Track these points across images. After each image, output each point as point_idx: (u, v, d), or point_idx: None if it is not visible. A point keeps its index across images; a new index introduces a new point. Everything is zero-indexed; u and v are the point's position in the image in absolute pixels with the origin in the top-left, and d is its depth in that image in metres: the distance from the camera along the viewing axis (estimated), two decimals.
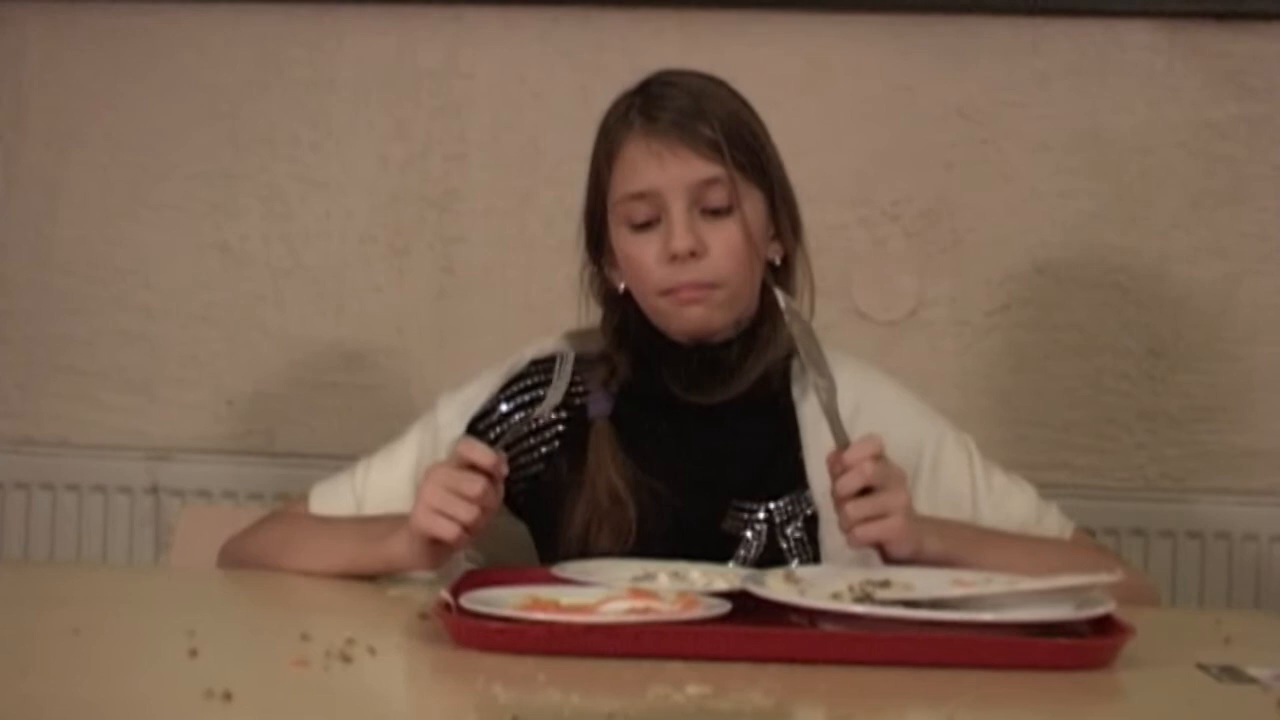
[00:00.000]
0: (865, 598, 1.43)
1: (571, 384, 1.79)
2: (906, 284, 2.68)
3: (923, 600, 1.42)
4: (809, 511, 1.74)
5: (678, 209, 1.70)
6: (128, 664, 1.33)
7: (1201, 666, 1.35)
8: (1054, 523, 1.82)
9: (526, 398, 1.80)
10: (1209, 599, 2.56)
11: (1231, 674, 1.33)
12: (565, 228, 2.65)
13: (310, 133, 2.77)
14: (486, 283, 2.73)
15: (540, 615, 1.38)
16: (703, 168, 1.70)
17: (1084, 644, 1.39)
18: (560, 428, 1.78)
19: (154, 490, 2.72)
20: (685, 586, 1.52)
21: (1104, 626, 1.42)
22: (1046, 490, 2.61)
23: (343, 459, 2.71)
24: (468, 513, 1.59)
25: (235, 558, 1.81)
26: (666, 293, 1.71)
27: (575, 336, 1.85)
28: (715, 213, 1.71)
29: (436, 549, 1.62)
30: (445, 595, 1.43)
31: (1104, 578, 1.44)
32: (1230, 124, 2.64)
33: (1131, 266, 2.66)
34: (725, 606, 1.43)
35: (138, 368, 2.79)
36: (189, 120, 2.78)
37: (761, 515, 1.74)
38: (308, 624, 1.39)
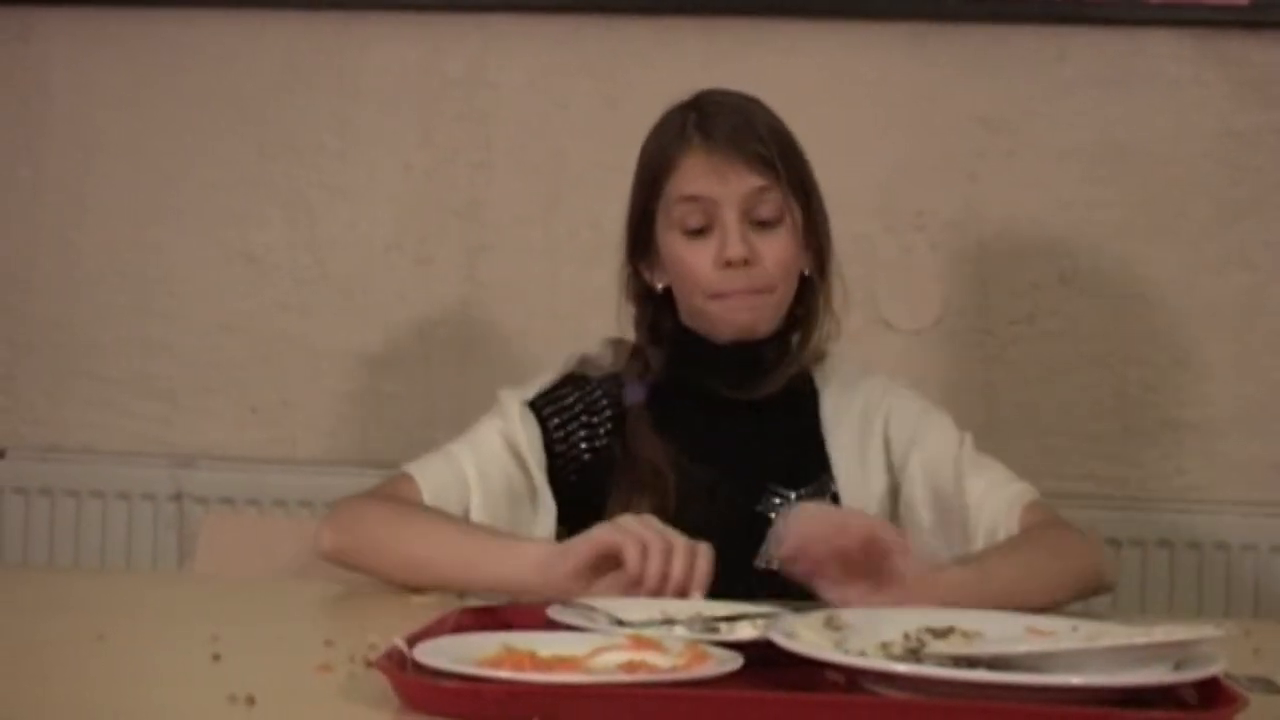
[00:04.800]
0: (917, 650, 1.22)
1: (609, 388, 1.86)
2: (931, 294, 2.67)
3: (984, 657, 1.18)
4: (832, 491, 1.83)
5: (731, 219, 1.79)
6: (151, 669, 1.33)
7: (1230, 677, 1.33)
8: (1018, 490, 1.81)
9: (586, 384, 1.87)
10: (1235, 611, 2.54)
11: (1261, 684, 1.32)
12: (589, 237, 2.68)
13: (335, 141, 2.77)
14: (510, 291, 2.73)
15: (503, 674, 1.15)
16: (756, 180, 1.80)
17: (1183, 718, 1.16)
18: (609, 421, 1.84)
19: (178, 497, 2.72)
20: (701, 634, 1.32)
21: (1209, 693, 1.19)
22: (1070, 500, 2.61)
23: (365, 467, 2.73)
24: (660, 549, 1.50)
25: (352, 533, 1.72)
26: (718, 296, 1.80)
27: (618, 344, 1.92)
28: (765, 224, 1.81)
29: (590, 571, 1.52)
30: (399, 642, 1.22)
31: (1209, 632, 1.21)
32: (1257, 133, 2.63)
33: (1157, 277, 2.64)
34: (737, 662, 1.21)
35: (162, 375, 2.79)
36: (214, 128, 2.79)
37: (794, 498, 1.80)
38: (331, 629, 1.39)
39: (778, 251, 1.81)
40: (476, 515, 1.78)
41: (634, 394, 1.85)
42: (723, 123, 1.82)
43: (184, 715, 1.18)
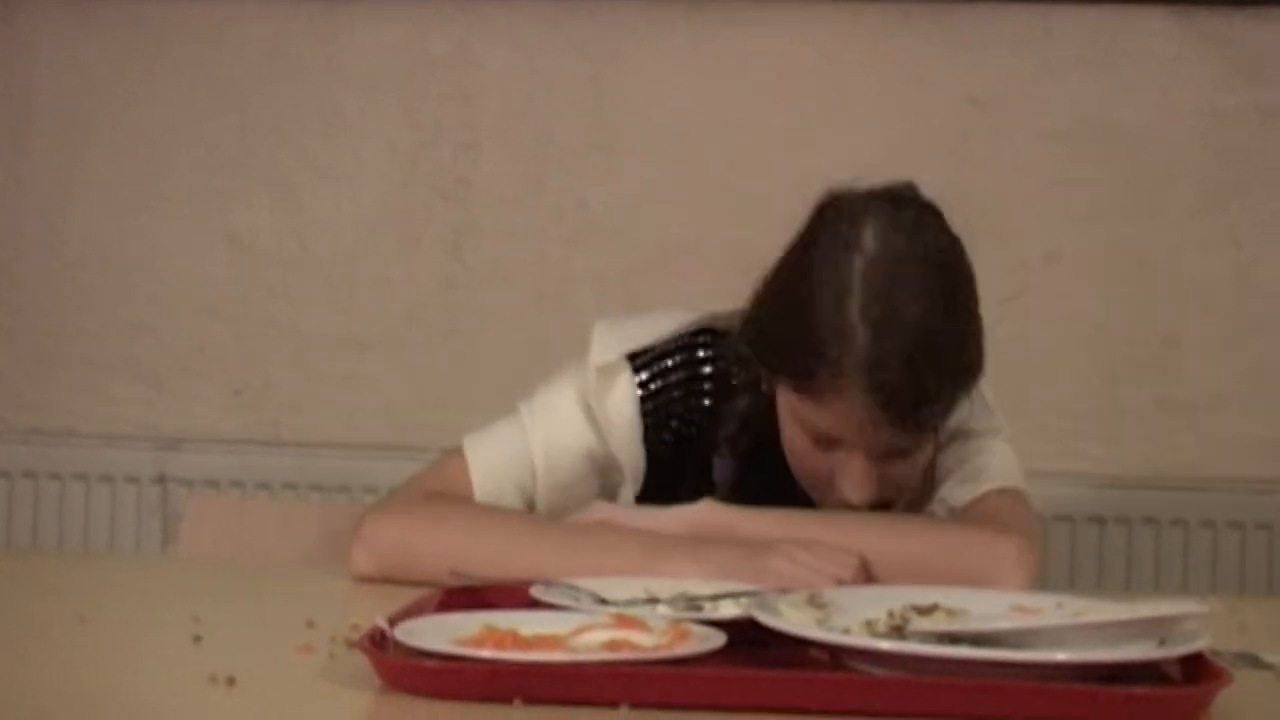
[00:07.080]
0: (902, 627, 1.22)
1: (710, 388, 1.69)
2: None
3: (968, 634, 1.19)
4: None
5: (859, 460, 1.55)
6: (132, 651, 1.32)
7: (1216, 653, 1.33)
8: (992, 473, 1.68)
9: (695, 355, 1.69)
10: (1222, 588, 2.54)
11: (1247, 660, 1.32)
12: (575, 217, 2.68)
13: (320, 123, 2.76)
14: (496, 273, 2.73)
15: (485, 653, 1.14)
16: (905, 439, 1.56)
17: (1166, 694, 1.15)
18: (691, 440, 1.68)
19: (161, 480, 2.72)
20: (684, 612, 1.30)
21: (1193, 669, 1.18)
22: (1058, 479, 2.60)
23: (350, 449, 2.73)
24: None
25: (407, 559, 1.56)
26: (822, 489, 1.61)
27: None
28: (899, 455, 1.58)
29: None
30: (381, 622, 1.21)
31: (1194, 608, 1.20)
32: (1242, 112, 2.62)
33: (1143, 255, 2.64)
34: (720, 640, 1.19)
35: (146, 358, 2.78)
36: (198, 111, 2.78)
37: None
38: (313, 610, 1.38)
39: (906, 479, 1.59)
40: (541, 492, 1.66)
41: (722, 471, 1.66)
42: (894, 371, 1.49)
43: (164, 696, 1.18)
